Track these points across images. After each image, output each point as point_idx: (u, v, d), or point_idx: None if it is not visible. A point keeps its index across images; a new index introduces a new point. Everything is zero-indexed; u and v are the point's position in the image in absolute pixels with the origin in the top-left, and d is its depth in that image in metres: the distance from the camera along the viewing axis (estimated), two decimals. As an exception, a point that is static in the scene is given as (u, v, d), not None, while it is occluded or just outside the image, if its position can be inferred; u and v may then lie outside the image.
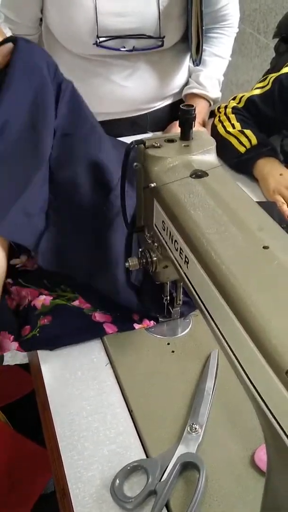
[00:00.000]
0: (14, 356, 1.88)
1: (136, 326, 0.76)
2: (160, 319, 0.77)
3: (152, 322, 0.76)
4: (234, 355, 0.43)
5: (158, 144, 0.59)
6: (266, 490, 0.45)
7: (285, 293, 0.40)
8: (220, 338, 0.45)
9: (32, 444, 0.85)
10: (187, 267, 0.51)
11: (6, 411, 0.88)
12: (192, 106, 0.57)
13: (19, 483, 0.84)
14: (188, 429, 0.62)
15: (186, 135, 0.59)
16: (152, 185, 0.57)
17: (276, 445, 0.39)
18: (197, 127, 1.23)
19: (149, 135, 1.34)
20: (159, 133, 1.34)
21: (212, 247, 0.46)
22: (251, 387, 0.41)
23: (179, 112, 0.58)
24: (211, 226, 0.48)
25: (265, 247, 0.44)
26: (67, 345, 0.74)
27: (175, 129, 1.23)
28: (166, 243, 0.57)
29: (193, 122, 0.59)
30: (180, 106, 0.58)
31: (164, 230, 0.57)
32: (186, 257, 0.51)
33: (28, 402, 0.92)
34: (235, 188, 0.53)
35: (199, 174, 0.55)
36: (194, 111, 0.58)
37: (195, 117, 0.58)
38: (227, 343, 0.44)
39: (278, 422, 0.37)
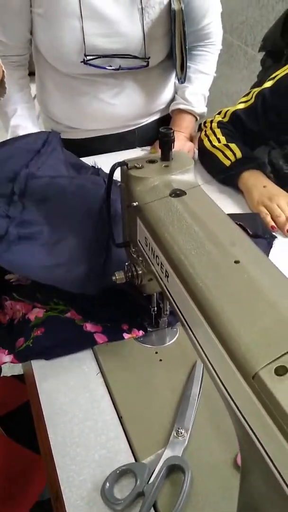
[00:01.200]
0: (12, 368, 1.91)
1: (126, 336, 0.79)
2: (148, 329, 0.80)
3: (141, 332, 0.80)
4: (209, 361, 0.46)
5: (140, 165, 0.63)
6: (241, 490, 0.48)
7: (254, 304, 0.44)
8: (197, 345, 0.49)
9: (27, 452, 0.88)
10: (168, 281, 0.54)
11: (2, 421, 0.91)
12: (171, 129, 0.61)
13: (15, 491, 0.86)
14: (175, 434, 0.65)
15: (166, 156, 0.63)
16: (135, 204, 0.60)
17: (247, 444, 0.43)
18: (184, 142, 1.29)
19: (137, 150, 1.38)
20: (147, 148, 1.38)
21: (189, 262, 0.49)
22: (225, 391, 0.44)
23: (159, 135, 0.62)
24: (188, 242, 0.52)
25: (236, 262, 0.47)
26: (60, 355, 0.77)
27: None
28: (149, 258, 0.61)
29: (172, 144, 0.62)
30: (160, 129, 0.61)
31: (146, 245, 0.61)
32: (166, 271, 0.54)
33: (23, 412, 0.95)
34: (211, 206, 0.57)
35: (178, 193, 0.58)
36: (173, 134, 0.61)
37: (174, 139, 0.62)
38: (202, 350, 0.48)
39: (246, 422, 0.40)
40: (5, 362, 0.76)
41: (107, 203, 0.68)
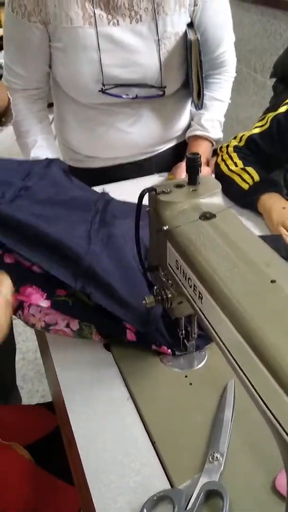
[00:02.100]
0: (31, 398, 1.91)
1: (154, 347, 0.79)
2: (176, 352, 0.80)
3: (169, 350, 0.79)
4: (250, 383, 0.46)
5: (168, 190, 0.64)
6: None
7: (293, 323, 0.44)
8: (236, 367, 0.49)
9: (58, 481, 0.87)
10: (201, 302, 0.55)
11: (30, 449, 0.91)
12: (198, 154, 0.62)
13: None
14: (210, 458, 0.64)
15: (193, 180, 0.64)
16: (165, 228, 0.61)
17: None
18: (201, 167, 1.30)
19: (154, 176, 1.40)
20: (164, 174, 1.40)
21: (224, 283, 0.50)
22: (268, 412, 0.44)
23: (185, 159, 0.63)
24: (221, 263, 0.52)
25: (272, 281, 0.48)
26: (93, 321, 0.80)
27: (181, 169, 1.29)
28: (180, 280, 0.62)
29: (199, 168, 0.64)
30: (187, 154, 0.63)
31: (177, 268, 0.61)
32: (200, 293, 0.55)
33: (51, 440, 0.94)
34: (241, 228, 0.58)
35: (207, 216, 0.59)
36: (200, 159, 0.63)
37: (201, 164, 0.63)
38: (243, 372, 0.47)
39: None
40: (40, 306, 0.78)
41: (136, 230, 0.69)
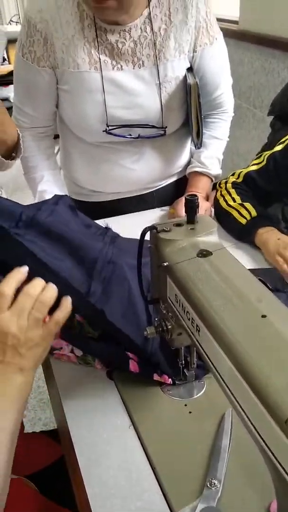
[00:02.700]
0: (34, 426, 1.92)
1: (155, 377, 0.83)
2: (176, 381, 0.84)
3: (169, 380, 0.83)
4: (242, 409, 0.50)
5: (168, 228, 0.69)
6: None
7: (282, 354, 0.48)
8: (231, 397, 0.53)
9: (62, 509, 0.89)
10: (199, 334, 0.59)
11: (35, 479, 0.93)
12: (196, 196, 0.67)
13: None
14: (208, 484, 0.67)
15: (191, 219, 0.69)
16: (165, 264, 0.66)
17: (283, 489, 0.45)
18: (201, 202, 1.36)
19: (156, 210, 1.46)
20: (166, 208, 1.45)
21: (219, 317, 0.54)
22: (261, 441, 0.48)
23: (185, 201, 0.68)
24: (217, 299, 0.56)
25: (263, 316, 0.52)
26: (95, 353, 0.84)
27: (181, 205, 1.35)
28: (179, 313, 0.66)
29: (197, 209, 0.69)
30: (185, 196, 0.68)
31: (177, 302, 0.66)
32: (197, 325, 0.59)
33: (56, 470, 0.96)
34: (235, 265, 0.62)
35: (204, 254, 0.64)
36: (198, 200, 0.68)
37: (198, 204, 0.68)
38: (237, 402, 0.51)
39: (281, 466, 0.44)
40: None
41: (138, 265, 0.73)
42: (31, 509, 0.88)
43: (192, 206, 0.68)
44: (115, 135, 1.28)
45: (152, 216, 1.42)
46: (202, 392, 0.83)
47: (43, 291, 0.72)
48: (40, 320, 0.70)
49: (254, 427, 0.48)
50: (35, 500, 0.90)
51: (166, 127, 1.30)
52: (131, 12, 1.15)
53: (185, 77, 1.27)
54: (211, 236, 0.68)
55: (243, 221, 1.23)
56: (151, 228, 0.69)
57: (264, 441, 0.47)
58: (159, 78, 1.24)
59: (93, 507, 0.67)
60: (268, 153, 1.30)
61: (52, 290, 0.72)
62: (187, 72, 1.27)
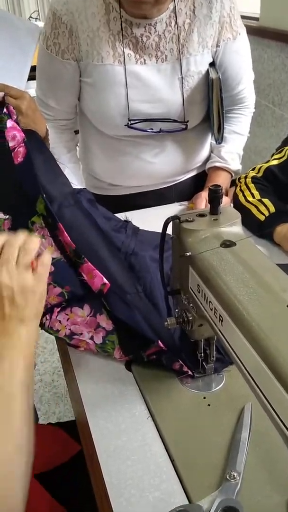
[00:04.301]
0: (48, 419, 1.93)
1: (176, 366, 0.82)
2: (195, 374, 0.83)
3: (189, 371, 0.83)
4: (268, 403, 0.49)
5: (191, 219, 0.69)
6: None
7: (308, 344, 0.47)
8: (255, 388, 0.52)
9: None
10: (222, 325, 0.58)
11: (45, 477, 0.91)
12: (219, 186, 0.67)
13: None
14: (227, 477, 0.67)
15: (215, 210, 0.69)
16: (188, 254, 0.66)
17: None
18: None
19: (175, 205, 1.45)
20: (185, 203, 1.45)
21: (243, 307, 0.54)
22: (284, 428, 0.47)
23: (208, 191, 0.68)
24: (241, 289, 0.56)
25: (288, 306, 0.52)
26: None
27: (201, 199, 1.34)
28: (201, 304, 0.65)
29: (221, 199, 0.68)
30: (209, 186, 0.67)
31: (199, 292, 0.65)
32: (220, 316, 0.58)
33: (69, 469, 0.95)
34: (259, 256, 0.62)
35: (228, 244, 0.63)
36: (221, 190, 0.67)
37: (222, 195, 0.68)
38: (262, 393, 0.51)
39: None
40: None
41: (160, 255, 0.73)
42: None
43: (215, 197, 0.68)
44: (137, 129, 1.28)
45: (171, 210, 1.41)
46: (221, 385, 0.82)
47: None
48: (28, 266, 0.68)
49: (279, 418, 0.48)
50: (48, 501, 0.89)
51: (188, 121, 1.29)
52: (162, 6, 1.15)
53: (207, 71, 1.26)
54: (235, 226, 0.67)
55: (262, 217, 1.22)
56: (174, 218, 0.69)
57: (288, 431, 0.47)
58: (181, 72, 1.24)
59: (111, 498, 0.67)
60: (289, 148, 1.29)
61: (35, 240, 0.70)
62: (210, 67, 1.26)
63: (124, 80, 1.21)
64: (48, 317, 0.85)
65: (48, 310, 0.84)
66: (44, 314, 0.83)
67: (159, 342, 0.80)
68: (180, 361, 0.82)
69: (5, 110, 0.84)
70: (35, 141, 0.89)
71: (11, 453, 0.59)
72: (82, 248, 0.80)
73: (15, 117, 0.86)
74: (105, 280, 0.78)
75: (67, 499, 0.90)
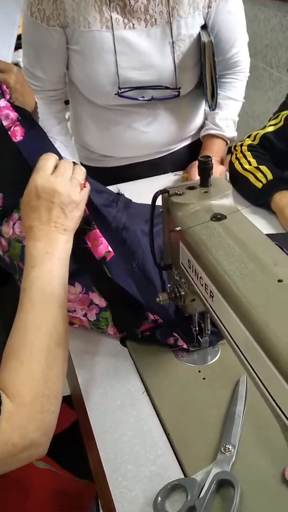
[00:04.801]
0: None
1: (171, 340, 0.82)
2: (190, 348, 0.83)
3: (185, 344, 0.82)
4: (257, 377, 0.49)
5: (181, 192, 0.67)
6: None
7: (299, 320, 0.46)
8: (245, 363, 0.51)
9: (73, 478, 0.90)
10: (212, 300, 0.57)
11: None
12: (209, 157, 0.65)
13: None
14: (222, 450, 0.67)
15: (205, 182, 0.66)
16: (178, 228, 0.64)
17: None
18: (215, 166, 1.32)
19: (170, 175, 1.42)
20: (179, 173, 1.42)
21: (234, 282, 0.52)
22: (274, 404, 0.46)
23: (198, 163, 0.65)
24: (231, 263, 0.55)
25: (279, 281, 0.50)
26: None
27: (195, 168, 1.31)
28: (192, 279, 0.64)
29: (211, 171, 0.66)
30: (199, 157, 0.65)
31: (189, 267, 0.64)
32: (211, 291, 0.57)
33: (68, 436, 0.96)
34: (251, 229, 0.60)
35: (218, 217, 0.61)
36: (211, 161, 0.65)
37: (212, 166, 0.65)
38: (251, 368, 0.50)
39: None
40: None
41: (150, 230, 0.71)
42: (46, 487, 0.89)
43: (205, 168, 0.65)
44: (128, 97, 1.24)
45: (165, 181, 1.38)
46: (216, 358, 0.82)
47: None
48: (81, 184, 0.74)
49: (270, 394, 0.47)
50: (50, 476, 0.90)
51: (180, 88, 1.25)
52: None
53: (199, 35, 1.21)
54: (226, 199, 0.65)
55: (259, 184, 1.20)
56: (163, 192, 0.67)
57: (278, 406, 0.46)
58: (172, 36, 1.19)
59: (107, 473, 0.67)
60: (285, 113, 1.25)
61: (83, 168, 0.77)
62: (201, 30, 1.21)
63: (112, 46, 1.17)
64: None
65: None
66: None
67: (153, 315, 0.79)
68: (175, 335, 0.81)
69: None
70: (28, 119, 0.87)
71: (59, 351, 0.63)
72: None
73: (8, 96, 0.85)
74: (110, 248, 0.77)
75: (70, 464, 0.92)
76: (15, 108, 0.85)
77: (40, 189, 0.69)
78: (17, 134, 0.81)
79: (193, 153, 1.45)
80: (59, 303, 0.65)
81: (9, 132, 0.80)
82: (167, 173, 1.44)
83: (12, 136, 0.80)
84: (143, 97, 1.25)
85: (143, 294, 0.80)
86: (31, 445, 0.56)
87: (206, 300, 0.59)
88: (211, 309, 0.59)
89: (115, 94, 1.23)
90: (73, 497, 0.91)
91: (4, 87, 0.85)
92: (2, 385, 0.57)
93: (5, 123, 0.81)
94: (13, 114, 0.83)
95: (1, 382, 0.58)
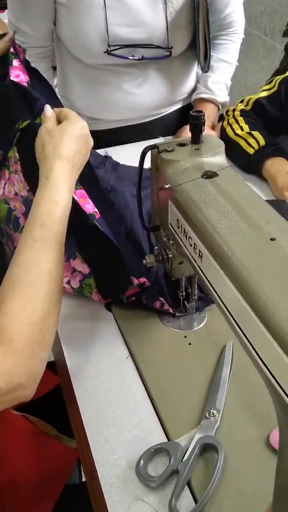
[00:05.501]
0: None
1: (157, 304, 0.80)
2: (176, 313, 0.81)
3: (171, 309, 0.80)
4: (247, 339, 0.47)
5: (171, 148, 0.64)
6: (279, 468, 0.49)
7: (291, 280, 0.44)
8: (234, 326, 0.49)
9: (56, 442, 0.90)
10: (201, 261, 0.55)
11: (32, 407, 0.92)
12: (201, 111, 0.62)
13: (45, 479, 0.88)
14: (206, 414, 0.66)
15: (196, 139, 0.64)
16: (167, 186, 0.61)
17: (286, 416, 0.43)
18: (206, 131, 1.28)
19: (159, 140, 1.38)
20: (169, 138, 1.38)
21: (224, 241, 0.50)
22: (264, 368, 0.45)
23: (189, 117, 0.62)
24: (222, 222, 0.52)
25: (272, 239, 0.48)
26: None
27: (186, 133, 1.28)
28: (181, 240, 0.62)
29: (203, 127, 0.63)
30: (190, 112, 0.62)
31: (178, 228, 0.61)
32: (200, 251, 0.55)
33: (52, 398, 0.96)
34: (243, 187, 0.57)
35: (209, 175, 0.59)
36: (203, 117, 0.62)
37: (204, 122, 0.62)
38: (240, 329, 0.48)
39: (286, 394, 0.41)
40: None
41: (138, 189, 0.68)
42: (31, 445, 0.88)
43: (197, 124, 0.62)
44: (117, 56, 1.19)
45: (154, 145, 1.35)
46: (202, 324, 0.80)
47: None
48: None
49: (258, 355, 0.45)
50: (34, 435, 0.90)
51: (172, 47, 1.21)
52: None
53: (193, -9, 1.16)
54: (218, 156, 0.63)
55: (251, 150, 1.17)
56: (152, 148, 0.64)
57: (268, 368, 0.44)
58: None
59: (89, 436, 0.66)
60: (279, 78, 1.22)
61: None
62: (196, -14, 1.16)
63: (102, 1, 1.11)
64: None
65: None
66: None
67: (138, 279, 0.77)
68: (161, 299, 0.79)
69: (12, 49, 0.83)
70: (39, 84, 0.85)
71: (59, 296, 0.62)
72: None
73: (22, 56, 0.85)
74: (96, 209, 0.74)
75: (57, 422, 0.91)
76: (28, 70, 0.84)
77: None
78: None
79: (184, 117, 1.40)
80: (61, 245, 0.62)
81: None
82: (157, 137, 1.40)
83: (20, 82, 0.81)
84: (133, 56, 1.20)
85: (129, 258, 0.78)
86: (16, 388, 0.53)
87: (195, 260, 0.57)
88: (199, 270, 0.56)
89: (104, 52, 1.18)
90: (56, 462, 0.91)
91: (18, 47, 0.85)
92: None
93: (15, 80, 0.81)
94: (24, 77, 0.82)
95: None
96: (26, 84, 0.81)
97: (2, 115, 0.82)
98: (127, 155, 1.09)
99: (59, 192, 0.63)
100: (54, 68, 1.38)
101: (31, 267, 0.58)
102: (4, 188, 0.81)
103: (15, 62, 0.82)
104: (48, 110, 0.73)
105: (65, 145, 0.67)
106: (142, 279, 0.77)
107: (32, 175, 0.75)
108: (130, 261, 0.77)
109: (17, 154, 0.79)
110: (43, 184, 0.64)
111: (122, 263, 0.75)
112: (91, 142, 0.71)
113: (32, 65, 1.23)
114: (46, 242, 0.60)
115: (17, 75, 0.82)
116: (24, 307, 0.56)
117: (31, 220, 0.61)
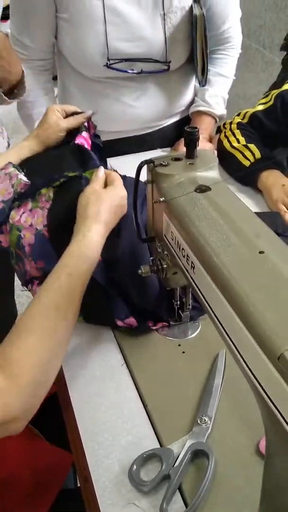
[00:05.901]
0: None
1: (150, 323, 0.82)
2: (171, 322, 0.83)
3: (165, 323, 0.82)
4: (235, 346, 0.49)
5: (166, 163, 0.66)
6: (266, 473, 0.51)
7: (278, 291, 0.46)
8: (224, 335, 0.51)
9: (51, 446, 0.91)
10: (194, 272, 0.57)
11: None
12: (196, 128, 0.64)
13: (40, 483, 0.89)
14: (198, 421, 0.67)
15: (191, 153, 0.66)
16: (161, 199, 0.63)
17: (272, 426, 0.45)
18: (203, 143, 1.31)
19: (157, 151, 1.41)
20: (167, 149, 1.41)
21: (215, 253, 0.52)
22: (251, 375, 0.47)
23: (184, 133, 0.64)
24: (213, 235, 0.54)
25: (261, 252, 0.50)
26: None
27: (183, 145, 1.30)
28: (174, 251, 0.64)
29: (197, 142, 0.65)
30: (185, 128, 0.64)
31: (172, 239, 0.63)
32: (192, 263, 0.57)
33: (49, 405, 0.97)
34: (235, 201, 0.60)
35: (203, 189, 0.61)
36: (198, 132, 0.64)
37: (198, 137, 0.65)
38: (228, 337, 0.50)
39: (274, 405, 0.43)
40: None
41: (134, 201, 0.70)
42: (24, 446, 0.89)
43: (191, 139, 0.65)
44: (117, 69, 1.22)
45: (152, 156, 1.37)
46: (196, 333, 0.82)
47: None
48: None
49: (247, 365, 0.47)
50: (28, 437, 0.91)
51: (170, 61, 1.23)
52: None
53: (191, 8, 1.19)
54: (211, 171, 0.65)
55: (247, 163, 1.19)
56: (148, 162, 0.66)
57: (256, 378, 0.46)
58: (163, 8, 1.16)
59: (84, 441, 0.67)
60: (276, 92, 1.24)
61: None
62: (194, 3, 1.19)
63: (102, 15, 1.14)
64: (30, 287, 0.85)
65: (30, 280, 0.84)
66: (26, 284, 0.85)
67: (124, 322, 0.81)
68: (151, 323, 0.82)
69: (85, 123, 0.99)
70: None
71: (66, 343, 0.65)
72: None
73: (92, 131, 1.00)
74: None
75: (48, 433, 0.93)
76: (93, 144, 0.96)
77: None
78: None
79: (181, 130, 1.42)
80: (80, 295, 0.66)
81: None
82: (155, 149, 1.43)
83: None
84: (133, 70, 1.23)
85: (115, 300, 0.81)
86: (11, 421, 0.56)
87: (188, 271, 0.59)
88: (192, 281, 0.58)
89: (104, 65, 1.21)
90: (51, 466, 0.92)
91: (91, 123, 1.01)
92: (8, 360, 0.57)
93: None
94: (87, 146, 0.94)
95: (6, 356, 0.58)
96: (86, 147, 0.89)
97: (54, 164, 0.89)
98: (125, 165, 1.11)
99: (92, 250, 0.69)
100: (54, 78, 1.41)
101: (51, 310, 0.62)
102: (21, 216, 0.83)
103: (84, 134, 0.96)
104: (101, 171, 0.79)
105: (107, 212, 0.73)
106: (129, 320, 0.80)
107: (57, 218, 0.80)
108: (116, 303, 0.80)
109: (51, 194, 0.83)
110: (79, 239, 0.69)
111: (108, 303, 0.79)
112: (125, 210, 0.77)
113: (32, 77, 1.27)
114: (69, 290, 0.64)
115: (82, 142, 0.92)
116: (36, 348, 0.59)
117: (61, 268, 0.66)
